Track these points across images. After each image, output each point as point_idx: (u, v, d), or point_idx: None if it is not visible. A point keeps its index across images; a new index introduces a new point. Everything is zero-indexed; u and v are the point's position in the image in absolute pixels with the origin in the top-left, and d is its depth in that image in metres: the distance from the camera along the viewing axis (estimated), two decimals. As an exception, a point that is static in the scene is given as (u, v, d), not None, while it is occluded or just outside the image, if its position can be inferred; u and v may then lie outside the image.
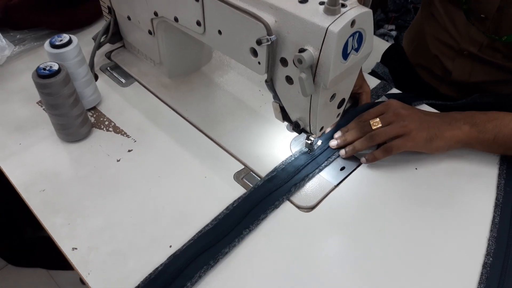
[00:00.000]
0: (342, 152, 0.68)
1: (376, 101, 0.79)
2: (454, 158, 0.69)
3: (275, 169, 0.66)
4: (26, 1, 0.88)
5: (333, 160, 0.68)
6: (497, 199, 0.64)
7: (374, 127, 0.66)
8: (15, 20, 0.90)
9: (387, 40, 1.67)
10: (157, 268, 0.55)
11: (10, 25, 0.91)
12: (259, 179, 0.66)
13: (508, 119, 0.65)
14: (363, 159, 0.68)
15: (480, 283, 0.54)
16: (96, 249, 0.57)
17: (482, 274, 0.55)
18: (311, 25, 0.48)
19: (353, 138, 0.68)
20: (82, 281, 0.55)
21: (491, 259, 0.57)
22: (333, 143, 0.69)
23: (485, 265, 0.56)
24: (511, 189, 0.65)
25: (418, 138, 0.64)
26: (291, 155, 0.68)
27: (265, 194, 0.62)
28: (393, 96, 0.80)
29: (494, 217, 0.62)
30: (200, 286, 0.54)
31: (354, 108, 0.75)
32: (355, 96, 0.77)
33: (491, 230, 0.60)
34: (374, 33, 1.79)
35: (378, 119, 0.67)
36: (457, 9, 0.81)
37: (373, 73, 1.03)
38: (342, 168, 0.67)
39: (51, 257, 1.37)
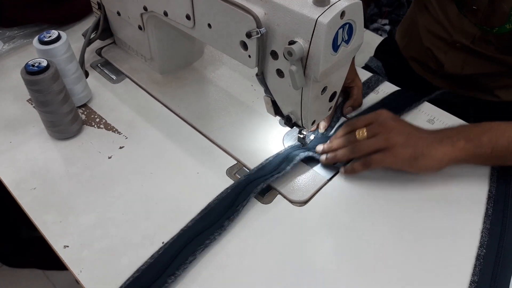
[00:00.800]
0: (323, 157, 0.66)
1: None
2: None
3: (263, 162, 0.65)
4: None
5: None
6: (490, 191, 0.64)
7: (358, 137, 0.63)
8: (11, 16, 0.89)
9: (380, 35, 1.66)
10: (147, 262, 0.54)
11: (4, 22, 0.90)
12: (252, 174, 0.65)
13: (502, 128, 0.61)
14: (341, 170, 0.65)
15: (473, 274, 0.54)
16: (88, 246, 0.57)
17: (475, 266, 0.55)
18: (301, 16, 0.47)
19: (338, 146, 0.65)
20: (78, 281, 0.54)
21: (484, 251, 0.57)
22: (319, 148, 0.67)
23: (478, 257, 0.56)
24: (504, 180, 0.65)
25: (401, 155, 0.60)
26: (283, 149, 0.68)
27: (251, 186, 0.61)
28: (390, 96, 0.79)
29: (487, 209, 0.62)
30: (193, 282, 0.54)
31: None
32: (346, 90, 0.77)
33: (484, 222, 0.60)
34: (368, 28, 1.80)
35: (364, 129, 0.63)
36: (450, 1, 0.81)
37: (366, 67, 1.03)
38: (335, 163, 0.67)
39: (46, 257, 1.36)
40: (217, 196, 0.61)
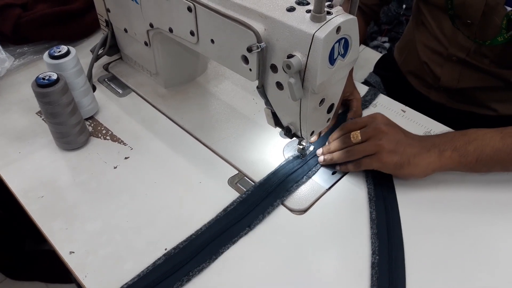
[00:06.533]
0: (321, 158, 0.69)
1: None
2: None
3: (267, 175, 0.67)
4: (37, 18, 0.91)
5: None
6: (369, 193, 0.66)
7: (353, 140, 0.66)
8: (24, 35, 0.93)
9: (380, 52, 1.69)
10: (147, 268, 0.56)
11: (17, 40, 0.93)
12: (252, 183, 0.67)
13: (488, 137, 0.63)
14: (337, 167, 0.69)
15: (372, 285, 0.55)
16: (93, 253, 0.58)
17: (372, 275, 0.55)
18: (299, 32, 0.50)
19: (336, 149, 0.69)
20: (82, 287, 0.56)
21: (377, 257, 0.57)
22: (319, 151, 0.70)
23: (373, 265, 0.56)
24: (379, 181, 0.67)
25: (388, 161, 0.63)
26: (284, 160, 0.70)
27: (258, 200, 0.63)
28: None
29: (370, 212, 0.63)
30: None
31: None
32: (346, 103, 0.79)
33: (371, 227, 0.61)
34: (368, 45, 1.83)
35: (358, 132, 0.66)
36: (444, 15, 0.83)
37: (365, 83, 1.06)
38: (334, 173, 0.69)
39: (50, 270, 1.37)
40: (224, 209, 0.63)
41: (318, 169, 0.69)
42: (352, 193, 0.66)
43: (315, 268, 0.57)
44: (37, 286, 1.38)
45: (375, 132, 0.65)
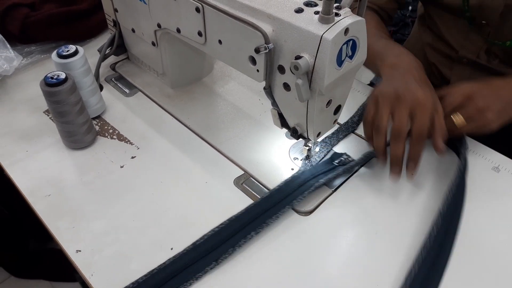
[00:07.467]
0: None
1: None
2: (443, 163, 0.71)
3: (280, 184, 0.66)
4: (44, 18, 0.91)
5: (334, 168, 0.68)
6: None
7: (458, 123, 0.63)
8: (32, 35, 0.93)
9: (386, 54, 1.69)
10: (152, 270, 0.56)
11: (24, 40, 0.94)
12: (258, 184, 0.67)
13: None
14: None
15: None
16: (99, 252, 0.59)
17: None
18: (307, 33, 0.50)
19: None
20: (88, 285, 0.56)
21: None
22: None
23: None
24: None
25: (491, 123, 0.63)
26: (298, 170, 0.68)
27: (269, 206, 0.63)
28: None
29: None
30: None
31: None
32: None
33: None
34: (374, 47, 1.81)
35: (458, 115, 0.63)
36: (455, 17, 0.83)
37: (371, 84, 1.05)
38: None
39: (54, 269, 1.38)
40: (235, 214, 0.62)
41: (332, 176, 0.67)
42: (358, 194, 0.66)
43: (321, 269, 0.57)
44: (41, 284, 1.38)
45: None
